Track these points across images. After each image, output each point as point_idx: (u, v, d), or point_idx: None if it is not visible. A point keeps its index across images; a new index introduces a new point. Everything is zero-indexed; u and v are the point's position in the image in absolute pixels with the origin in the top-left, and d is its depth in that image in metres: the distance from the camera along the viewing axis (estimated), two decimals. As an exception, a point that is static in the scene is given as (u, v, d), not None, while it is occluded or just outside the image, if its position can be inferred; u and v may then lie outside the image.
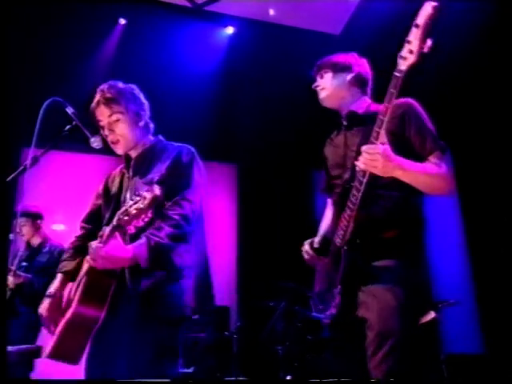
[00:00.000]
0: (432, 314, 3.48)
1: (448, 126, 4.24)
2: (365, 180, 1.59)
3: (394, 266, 1.66)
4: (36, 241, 3.64)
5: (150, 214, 1.55)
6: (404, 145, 1.72)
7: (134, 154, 2.00)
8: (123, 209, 1.58)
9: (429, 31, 1.43)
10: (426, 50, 1.44)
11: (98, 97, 1.93)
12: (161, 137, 2.07)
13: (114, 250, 1.65)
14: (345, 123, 1.94)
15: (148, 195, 1.53)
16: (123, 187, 1.97)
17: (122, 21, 4.81)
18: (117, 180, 2.03)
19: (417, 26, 1.43)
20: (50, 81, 4.43)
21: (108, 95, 1.91)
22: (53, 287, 1.92)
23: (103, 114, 1.92)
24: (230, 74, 5.11)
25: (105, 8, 4.54)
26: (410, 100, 1.81)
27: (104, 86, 1.95)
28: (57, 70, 4.51)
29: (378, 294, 1.62)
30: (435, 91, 4.35)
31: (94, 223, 2.01)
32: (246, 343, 4.45)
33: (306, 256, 1.95)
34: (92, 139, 1.87)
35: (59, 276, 1.95)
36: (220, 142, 5.52)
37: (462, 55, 4.13)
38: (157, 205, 1.62)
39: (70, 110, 1.82)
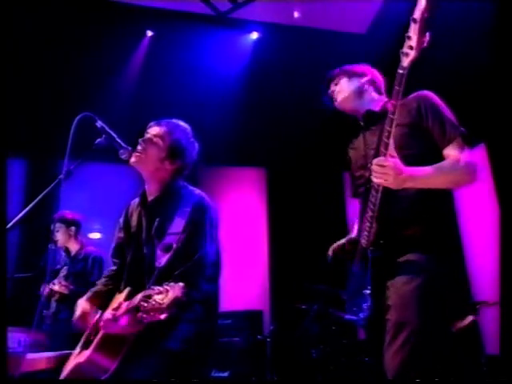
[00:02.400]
0: (469, 318, 3.39)
1: (484, 117, 4.13)
2: (379, 194, 1.60)
3: (416, 258, 1.64)
4: (74, 248, 3.74)
5: (167, 314, 1.54)
6: (424, 136, 1.71)
7: (152, 191, 2.03)
8: (146, 292, 1.58)
9: (426, 25, 1.40)
10: (425, 44, 1.42)
11: (162, 120, 2.06)
12: (179, 180, 2.08)
13: (124, 322, 1.72)
14: (362, 123, 1.97)
15: (170, 294, 1.51)
16: (142, 228, 2.01)
17: (149, 33, 4.94)
18: (135, 216, 2.08)
19: (414, 20, 1.41)
20: (81, 93, 4.60)
21: (172, 125, 2.05)
22: (82, 299, 2.04)
23: (154, 130, 2.03)
24: (257, 78, 5.14)
25: (132, 21, 4.68)
26: (424, 92, 1.80)
27: (172, 120, 2.09)
28: (88, 83, 4.67)
29: (399, 285, 1.62)
30: (470, 83, 4.24)
31: (121, 257, 2.10)
32: (280, 346, 4.44)
33: (330, 254, 1.98)
34: (121, 151, 1.93)
35: (88, 293, 2.07)
36: (249, 146, 5.56)
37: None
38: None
39: (99, 124, 1.89)
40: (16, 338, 2.48)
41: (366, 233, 1.70)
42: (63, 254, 3.76)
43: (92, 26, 4.44)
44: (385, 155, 1.53)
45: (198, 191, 2.03)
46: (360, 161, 1.93)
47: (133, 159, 1.97)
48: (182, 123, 2.10)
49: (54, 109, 4.67)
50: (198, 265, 1.82)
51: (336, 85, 2.04)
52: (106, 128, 1.91)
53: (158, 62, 4.97)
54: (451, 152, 1.67)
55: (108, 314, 1.76)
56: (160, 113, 2.18)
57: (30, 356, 2.31)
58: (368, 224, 1.67)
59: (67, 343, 2.90)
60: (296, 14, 4.91)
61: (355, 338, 4.62)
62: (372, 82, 2.00)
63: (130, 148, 1.96)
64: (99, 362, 1.74)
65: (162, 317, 1.53)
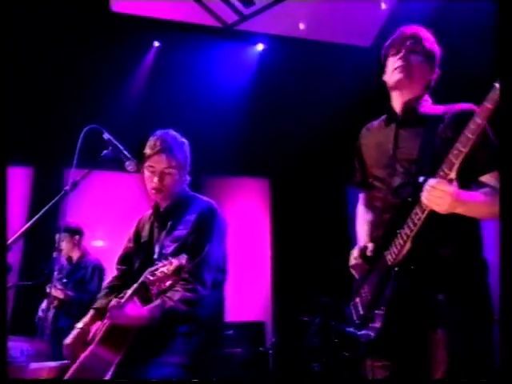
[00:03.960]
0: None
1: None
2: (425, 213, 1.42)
3: (451, 302, 1.47)
4: (75, 256, 3.78)
5: (172, 281, 1.61)
6: None
7: (163, 203, 2.08)
8: (151, 269, 1.64)
9: None
10: None
11: (158, 145, 1.98)
12: (187, 188, 2.13)
13: (130, 311, 1.74)
14: (400, 119, 1.69)
15: (174, 262, 1.59)
16: (153, 237, 2.06)
17: (156, 43, 4.99)
18: (146, 227, 2.12)
19: None
20: (88, 102, 4.65)
21: (170, 147, 2.00)
22: (82, 321, 2.01)
23: (160, 163, 1.99)
24: (262, 89, 5.18)
25: (140, 32, 4.74)
26: (471, 107, 1.53)
27: (166, 136, 2.02)
28: (95, 93, 4.72)
29: (428, 341, 1.47)
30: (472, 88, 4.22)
31: (127, 264, 2.13)
32: (282, 359, 4.41)
33: (352, 262, 1.76)
34: (127, 163, 1.94)
35: (91, 311, 2.05)
36: (253, 157, 5.58)
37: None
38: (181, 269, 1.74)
39: (106, 136, 1.91)
40: (18, 347, 2.48)
41: (395, 249, 1.52)
42: (65, 262, 3.79)
43: (100, 37, 4.50)
44: (445, 177, 1.35)
45: (206, 198, 2.11)
46: (384, 160, 1.69)
47: (156, 197, 2.03)
48: (168, 135, 2.04)
49: (62, 117, 4.73)
50: (204, 262, 1.86)
51: (410, 56, 1.66)
52: (113, 140, 1.93)
53: (164, 72, 5.02)
54: (492, 181, 1.48)
55: (113, 301, 1.79)
56: (166, 123, 2.19)
57: (33, 366, 2.30)
58: (401, 241, 1.49)
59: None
60: (302, 26, 4.95)
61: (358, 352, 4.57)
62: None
63: (136, 160, 1.98)
64: (102, 355, 1.76)
65: (168, 283, 1.59)
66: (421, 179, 1.45)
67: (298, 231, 5.47)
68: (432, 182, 1.36)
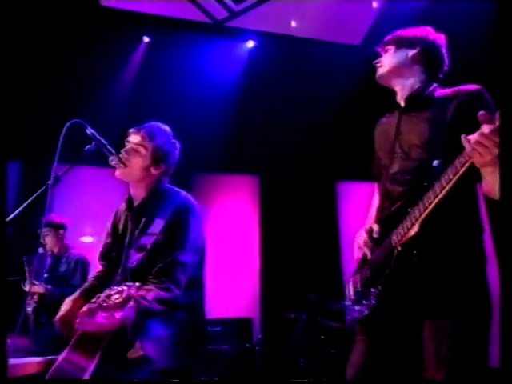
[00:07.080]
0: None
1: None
2: (448, 186, 1.37)
3: (456, 291, 1.46)
4: (58, 251, 3.76)
5: (121, 313, 1.57)
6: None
7: (137, 196, 2.04)
8: (107, 292, 1.61)
9: None
10: None
11: (143, 127, 2.06)
12: (165, 181, 2.09)
13: (101, 318, 1.69)
14: (403, 105, 1.72)
15: (125, 292, 1.56)
16: (127, 231, 2.04)
17: (146, 39, 4.96)
18: (122, 219, 2.11)
19: None
20: (77, 98, 4.61)
21: (150, 128, 2.05)
22: (70, 298, 2.03)
23: (134, 139, 2.03)
24: (252, 86, 5.17)
25: (129, 27, 4.71)
26: (479, 88, 1.53)
27: (151, 122, 2.09)
28: (83, 88, 4.68)
29: (435, 330, 1.46)
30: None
31: (109, 260, 2.12)
32: (269, 355, 4.43)
33: (360, 243, 1.75)
34: (110, 158, 1.94)
35: (78, 291, 2.08)
36: (242, 154, 5.57)
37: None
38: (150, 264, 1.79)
39: (89, 131, 1.90)
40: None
41: (401, 231, 1.50)
42: (49, 256, 3.77)
43: (88, 32, 4.47)
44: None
45: (183, 193, 2.05)
46: (387, 146, 1.71)
47: (117, 172, 1.98)
48: (160, 125, 2.10)
49: (49, 112, 4.67)
50: (176, 262, 1.84)
51: (384, 54, 1.78)
52: (96, 135, 1.92)
53: (153, 68, 5.00)
54: None
55: (84, 307, 1.76)
56: (154, 119, 2.19)
57: (13, 361, 2.28)
58: (408, 224, 1.48)
59: (51, 347, 2.87)
60: (292, 24, 4.96)
61: (344, 347, 4.60)
62: (423, 57, 1.71)
63: (119, 155, 1.97)
64: (76, 362, 1.75)
65: (118, 316, 1.56)
66: (435, 163, 1.44)
67: (287, 228, 5.48)
68: (486, 129, 1.25)
